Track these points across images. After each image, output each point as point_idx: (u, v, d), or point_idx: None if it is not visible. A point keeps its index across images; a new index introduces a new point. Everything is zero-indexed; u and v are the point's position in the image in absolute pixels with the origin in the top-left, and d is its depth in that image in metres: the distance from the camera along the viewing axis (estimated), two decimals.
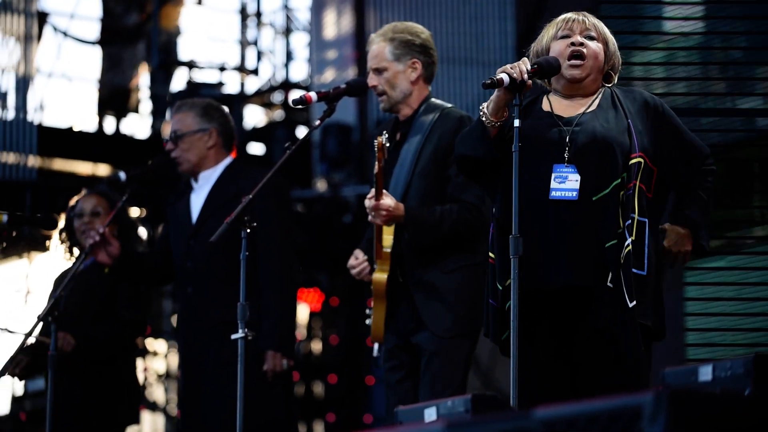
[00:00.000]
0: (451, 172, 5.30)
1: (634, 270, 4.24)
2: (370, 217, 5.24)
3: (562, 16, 4.52)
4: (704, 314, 6.69)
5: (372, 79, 5.46)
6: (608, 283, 4.25)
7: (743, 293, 6.69)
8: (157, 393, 12.44)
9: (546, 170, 4.32)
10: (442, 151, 5.32)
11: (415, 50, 5.44)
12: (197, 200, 5.98)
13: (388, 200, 5.20)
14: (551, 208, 4.30)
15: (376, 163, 5.06)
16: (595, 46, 4.44)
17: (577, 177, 4.29)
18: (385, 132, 5.12)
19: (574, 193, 4.28)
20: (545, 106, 4.47)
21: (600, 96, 4.47)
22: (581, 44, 4.42)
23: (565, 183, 4.30)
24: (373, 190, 5.19)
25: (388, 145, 5.08)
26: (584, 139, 4.33)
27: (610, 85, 4.53)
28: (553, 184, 4.30)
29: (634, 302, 4.22)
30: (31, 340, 5.87)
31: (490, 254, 4.48)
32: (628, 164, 4.31)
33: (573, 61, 4.41)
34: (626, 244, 4.25)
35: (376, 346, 5.52)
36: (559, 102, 4.47)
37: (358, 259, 5.50)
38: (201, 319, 5.85)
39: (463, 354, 5.30)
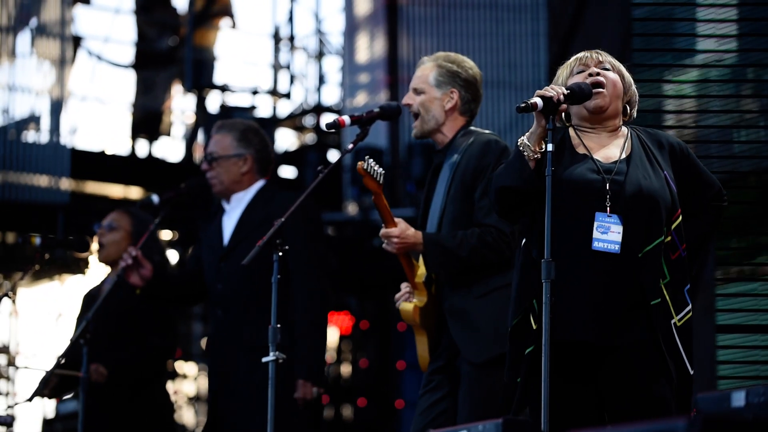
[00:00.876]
0: (476, 196, 5.28)
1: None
2: (383, 245, 5.24)
3: (574, 57, 4.50)
4: (736, 347, 6.64)
5: (408, 98, 5.45)
6: (658, 342, 4.22)
7: None
8: (187, 416, 12.46)
9: (586, 218, 4.25)
10: (469, 174, 5.29)
11: (458, 82, 5.43)
12: (229, 223, 6.00)
13: (399, 227, 5.20)
14: (590, 259, 4.23)
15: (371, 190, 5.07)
16: (612, 75, 4.41)
17: (620, 228, 4.23)
18: (367, 156, 5.08)
19: (617, 246, 4.22)
20: (578, 146, 4.40)
21: (629, 140, 4.42)
22: (598, 74, 4.39)
23: (608, 234, 4.22)
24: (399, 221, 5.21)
25: (381, 170, 5.06)
26: (631, 190, 4.26)
27: (629, 122, 4.48)
28: (596, 234, 4.23)
29: (693, 370, 4.24)
30: (63, 363, 5.91)
31: None
32: (670, 221, 4.29)
33: (595, 90, 4.36)
34: (687, 310, 4.27)
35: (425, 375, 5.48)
36: (589, 139, 4.41)
37: (401, 291, 5.48)
38: (230, 342, 5.86)
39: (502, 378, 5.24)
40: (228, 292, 5.90)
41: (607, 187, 4.27)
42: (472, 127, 5.45)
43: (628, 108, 4.48)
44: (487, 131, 5.44)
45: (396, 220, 5.20)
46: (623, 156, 4.36)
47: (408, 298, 5.38)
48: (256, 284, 5.70)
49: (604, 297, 4.21)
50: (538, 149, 4.25)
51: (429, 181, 5.48)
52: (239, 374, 5.79)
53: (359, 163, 4.98)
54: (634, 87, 4.50)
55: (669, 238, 4.28)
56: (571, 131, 4.45)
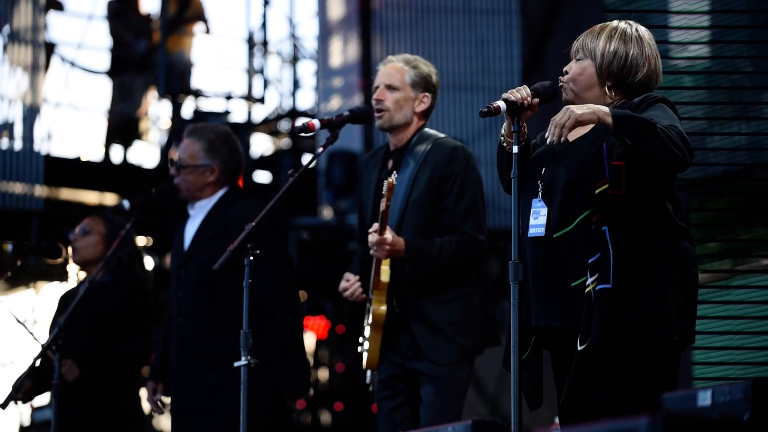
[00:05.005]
0: (447, 203, 5.33)
1: (600, 286, 4.02)
2: (372, 251, 5.26)
3: None
4: (712, 333, 6.67)
5: (381, 93, 5.48)
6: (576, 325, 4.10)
7: (748, 312, 6.68)
8: (165, 422, 12.42)
9: (529, 205, 4.25)
10: (436, 180, 5.35)
11: (430, 87, 5.52)
12: (190, 230, 6.01)
13: (390, 235, 5.22)
14: (530, 246, 4.22)
15: (384, 201, 5.07)
16: (575, 66, 4.29)
17: (546, 211, 4.19)
18: (395, 173, 5.13)
19: (542, 230, 4.18)
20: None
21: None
22: (563, 74, 4.30)
23: (538, 219, 4.20)
24: (376, 225, 5.20)
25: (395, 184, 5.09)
26: (554, 172, 4.21)
27: (644, 91, 4.25)
28: (531, 221, 4.21)
29: (584, 346, 4.04)
30: (37, 364, 5.89)
31: None
32: (594, 191, 4.10)
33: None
34: (588, 282, 4.08)
35: (369, 373, 5.54)
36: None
37: (349, 281, 5.53)
38: (186, 350, 5.88)
39: (463, 378, 5.39)
40: (187, 300, 5.90)
41: (542, 173, 4.25)
42: (427, 130, 5.49)
43: (612, 84, 4.24)
44: (442, 135, 5.50)
45: (387, 228, 5.23)
46: (579, 135, 4.25)
47: (360, 294, 5.46)
48: (213, 293, 5.74)
49: (540, 283, 4.19)
50: (511, 140, 4.19)
51: (376, 180, 5.49)
52: (195, 382, 5.81)
53: (389, 179, 5.01)
54: (619, 58, 4.24)
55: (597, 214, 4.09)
56: None
